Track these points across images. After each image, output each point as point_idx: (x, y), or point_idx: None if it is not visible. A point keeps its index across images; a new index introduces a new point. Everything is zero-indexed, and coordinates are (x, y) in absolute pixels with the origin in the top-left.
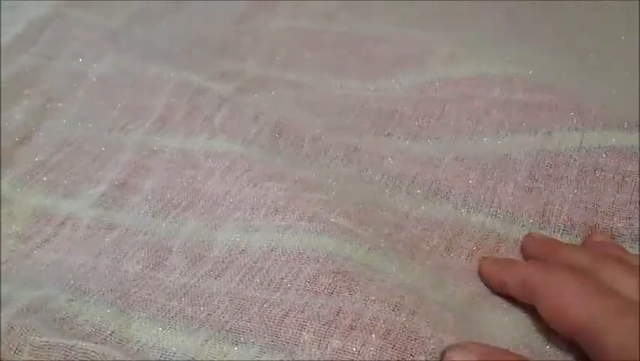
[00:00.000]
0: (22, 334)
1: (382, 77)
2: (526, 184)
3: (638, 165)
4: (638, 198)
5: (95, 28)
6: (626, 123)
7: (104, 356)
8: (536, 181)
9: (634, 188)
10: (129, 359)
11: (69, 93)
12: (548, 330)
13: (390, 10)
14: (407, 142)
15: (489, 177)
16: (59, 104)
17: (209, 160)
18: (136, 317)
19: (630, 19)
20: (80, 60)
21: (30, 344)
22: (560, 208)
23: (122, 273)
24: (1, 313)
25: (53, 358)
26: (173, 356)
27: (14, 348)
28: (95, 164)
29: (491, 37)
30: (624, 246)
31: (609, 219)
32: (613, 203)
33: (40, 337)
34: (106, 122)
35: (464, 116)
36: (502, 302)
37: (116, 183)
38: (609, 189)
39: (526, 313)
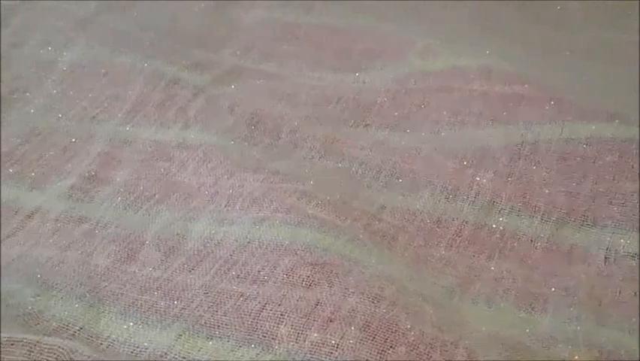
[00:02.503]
0: None
1: (360, 69)
2: (507, 170)
3: (617, 155)
4: (618, 187)
5: (64, 15)
6: (605, 114)
7: (71, 352)
8: (516, 168)
9: (614, 177)
10: (99, 355)
11: (37, 82)
12: (529, 321)
13: (366, 4)
14: (386, 133)
15: (468, 165)
16: (26, 93)
17: (183, 151)
18: (106, 311)
19: (607, 11)
20: (49, 48)
21: None
22: (540, 192)
23: (92, 267)
24: None
25: (17, 355)
26: (144, 352)
27: None
28: (64, 155)
29: (467, 30)
30: (603, 233)
31: (589, 205)
32: (592, 190)
33: (3, 332)
34: (76, 112)
35: (443, 107)
36: (483, 293)
37: (86, 175)
38: (590, 176)
39: (507, 305)
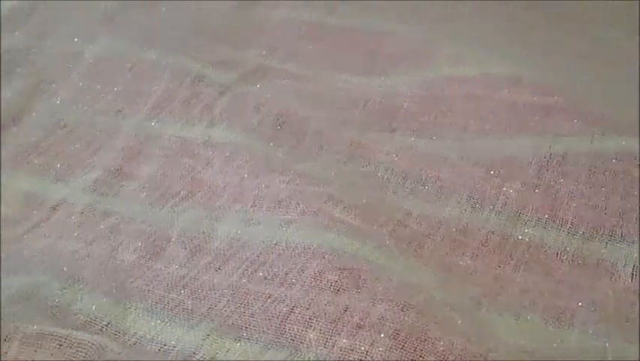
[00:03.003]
0: (12, 321)
1: (385, 73)
2: (534, 182)
3: None
4: None
5: (90, 9)
6: (635, 128)
7: (101, 348)
8: (544, 180)
9: None
10: (127, 351)
11: (63, 74)
12: (557, 335)
13: (390, 7)
14: (412, 139)
15: (495, 175)
16: (52, 85)
17: (209, 149)
18: (133, 308)
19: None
20: (75, 41)
21: (22, 333)
22: (569, 206)
23: (118, 262)
24: None
25: (46, 348)
26: (172, 350)
27: (4, 337)
28: (89, 148)
29: (495, 37)
30: (630, 249)
31: (617, 220)
32: (620, 205)
33: (32, 325)
34: (101, 106)
35: (470, 115)
36: (509, 305)
37: (111, 168)
38: (618, 191)
39: (534, 317)
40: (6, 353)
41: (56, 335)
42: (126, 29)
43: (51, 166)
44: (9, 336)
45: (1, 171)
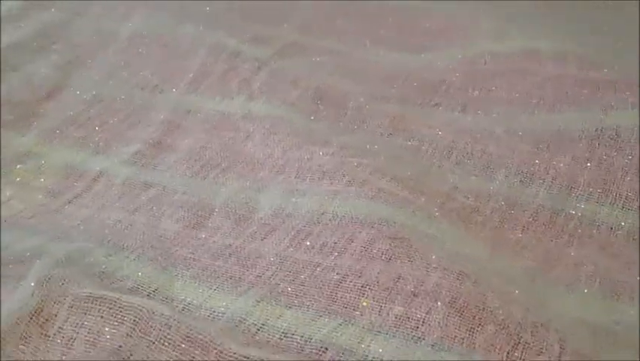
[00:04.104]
0: (62, 284)
1: (424, 48)
2: (585, 155)
3: None
4: None
5: None
6: None
7: (152, 311)
8: (596, 154)
9: None
10: (178, 316)
11: (99, 50)
12: (616, 309)
13: None
14: (456, 113)
15: (543, 149)
16: (89, 60)
17: (249, 122)
18: (179, 275)
19: None
20: (110, 18)
21: (71, 295)
22: (622, 180)
23: (161, 231)
24: (36, 265)
25: (97, 310)
26: (222, 316)
27: (54, 299)
28: (127, 122)
29: (535, 12)
30: None
31: None
32: None
33: (82, 288)
34: (138, 81)
35: (516, 89)
36: (564, 278)
37: (150, 141)
38: None
39: (591, 291)
40: (56, 315)
41: (106, 298)
42: (160, 5)
43: (90, 139)
44: (58, 299)
45: (41, 143)
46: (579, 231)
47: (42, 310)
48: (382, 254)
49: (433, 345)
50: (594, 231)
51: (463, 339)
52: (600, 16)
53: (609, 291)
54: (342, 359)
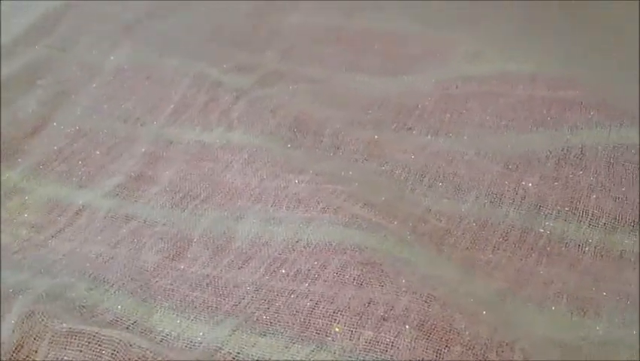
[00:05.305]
0: (42, 320)
1: (402, 73)
2: (553, 175)
3: None
4: None
5: (110, 20)
6: None
7: (129, 344)
8: (563, 173)
9: None
10: (155, 347)
11: (83, 85)
12: (583, 325)
13: (407, 9)
14: (428, 137)
15: (513, 170)
16: (73, 95)
17: (228, 152)
18: (158, 306)
19: None
20: (94, 52)
21: (51, 330)
22: (589, 198)
23: (142, 263)
24: (18, 301)
25: (76, 345)
26: (199, 346)
27: (34, 334)
28: (110, 155)
29: (511, 35)
30: None
31: (638, 211)
32: None
33: (62, 323)
34: (120, 114)
35: (487, 112)
36: (534, 297)
37: (132, 174)
38: (638, 182)
39: (559, 308)
40: (36, 351)
41: (85, 333)
42: (145, 39)
43: (73, 173)
44: (39, 335)
45: (26, 178)
46: (548, 249)
47: (22, 347)
48: (354, 280)
49: None
50: (563, 248)
51: None
52: (576, 37)
53: (576, 308)
54: None
